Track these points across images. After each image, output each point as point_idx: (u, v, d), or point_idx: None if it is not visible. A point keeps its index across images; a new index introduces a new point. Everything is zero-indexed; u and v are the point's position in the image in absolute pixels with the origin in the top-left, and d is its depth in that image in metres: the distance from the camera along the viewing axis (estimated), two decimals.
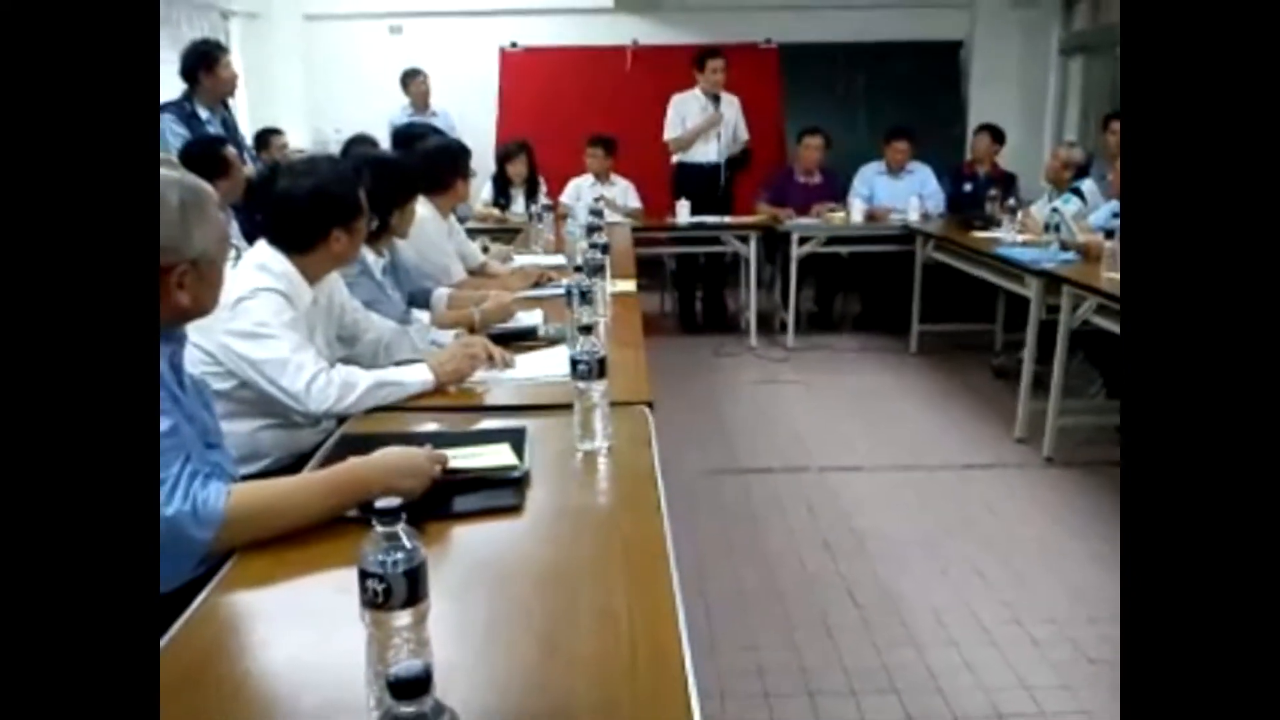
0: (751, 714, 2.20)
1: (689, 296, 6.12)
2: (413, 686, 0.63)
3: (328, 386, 1.81)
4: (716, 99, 5.70)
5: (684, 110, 5.73)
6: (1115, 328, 3.31)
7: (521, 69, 7.04)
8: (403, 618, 0.87)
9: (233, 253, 1.83)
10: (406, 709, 0.63)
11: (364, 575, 0.87)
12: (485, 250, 3.86)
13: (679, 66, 5.81)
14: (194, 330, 1.51)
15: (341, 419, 1.85)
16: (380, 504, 0.88)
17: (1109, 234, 3.58)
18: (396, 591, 0.86)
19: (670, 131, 5.75)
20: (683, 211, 5.53)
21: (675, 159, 5.82)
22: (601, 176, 5.78)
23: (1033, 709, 2.20)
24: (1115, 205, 4.23)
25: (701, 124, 5.70)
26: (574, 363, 1.61)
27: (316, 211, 1.92)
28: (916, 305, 5.36)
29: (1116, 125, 4.75)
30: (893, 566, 2.90)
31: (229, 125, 4.36)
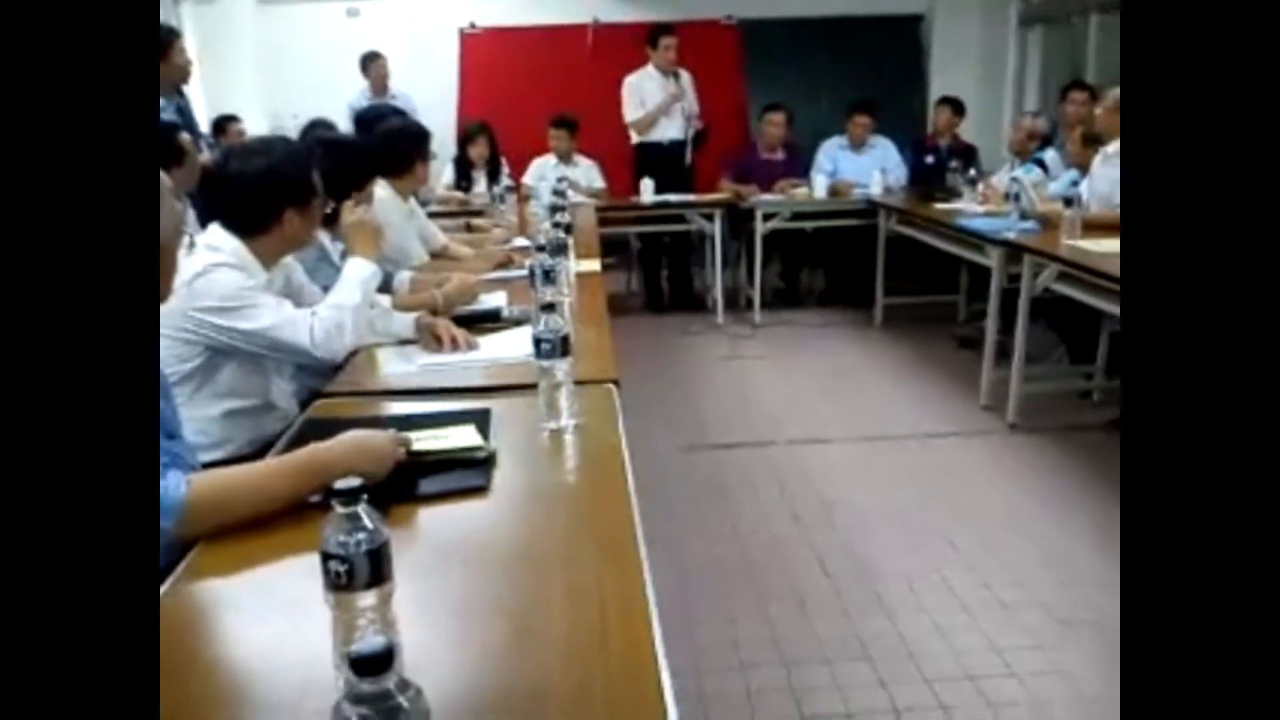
0: (728, 685, 2.21)
1: (655, 275, 6.12)
2: (374, 663, 0.62)
3: (326, 336, 1.89)
4: (675, 75, 5.68)
5: (641, 90, 5.70)
6: (1076, 294, 3.36)
7: (481, 50, 6.97)
8: (367, 598, 0.86)
9: (186, 240, 1.80)
10: (369, 686, 0.62)
11: (326, 557, 0.86)
12: (469, 228, 3.94)
13: (641, 44, 5.77)
14: None
15: (305, 404, 1.84)
16: (339, 484, 0.87)
17: (1068, 202, 3.62)
18: (359, 572, 0.85)
19: (631, 113, 5.72)
20: (647, 190, 5.51)
21: (636, 139, 5.79)
22: (565, 157, 5.74)
23: (1004, 670, 2.24)
24: (1074, 174, 4.28)
25: (664, 102, 5.67)
26: (537, 341, 1.60)
27: (269, 191, 1.90)
28: (880, 278, 5.39)
29: (1075, 95, 4.79)
30: (863, 536, 2.93)
31: (184, 112, 4.27)
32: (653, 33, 5.66)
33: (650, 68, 5.69)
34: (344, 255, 2.53)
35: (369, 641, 0.63)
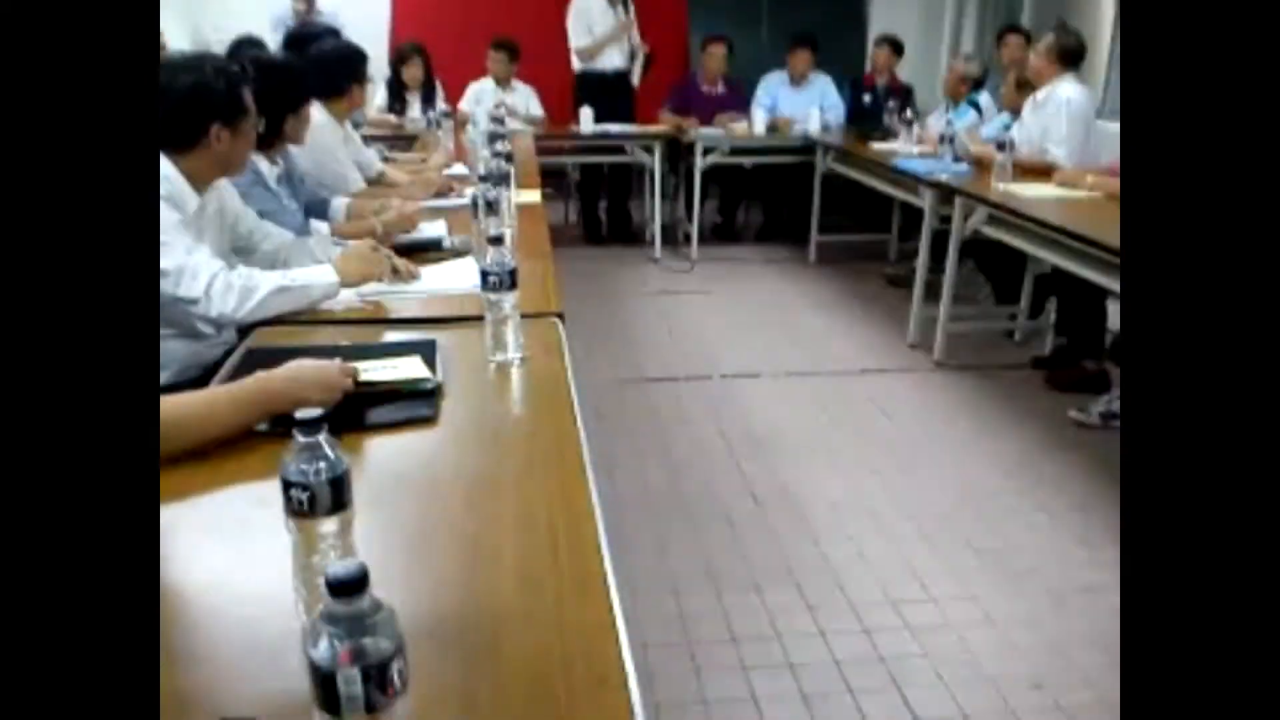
0: (663, 609, 2.29)
1: (593, 207, 6.08)
2: (351, 585, 0.64)
3: (227, 291, 1.77)
4: (624, 4, 5.57)
5: (588, 16, 5.58)
6: (1004, 237, 3.46)
7: None
8: (328, 525, 0.88)
9: None
10: (344, 607, 0.65)
11: (287, 485, 0.87)
12: (385, 160, 3.78)
13: None
14: None
15: (245, 331, 1.81)
16: (301, 414, 0.88)
17: (1000, 145, 3.71)
18: (321, 499, 0.87)
19: (578, 39, 5.60)
20: (586, 120, 5.45)
21: (579, 67, 5.69)
22: (503, 82, 5.63)
23: (922, 595, 2.36)
24: (1006, 118, 4.36)
25: (611, 31, 5.58)
26: (484, 275, 1.60)
27: (195, 108, 1.84)
28: (816, 216, 5.45)
29: (1010, 39, 4.87)
30: (792, 467, 3.03)
31: None
32: None
33: None
34: (280, 180, 2.48)
35: (345, 563, 0.66)
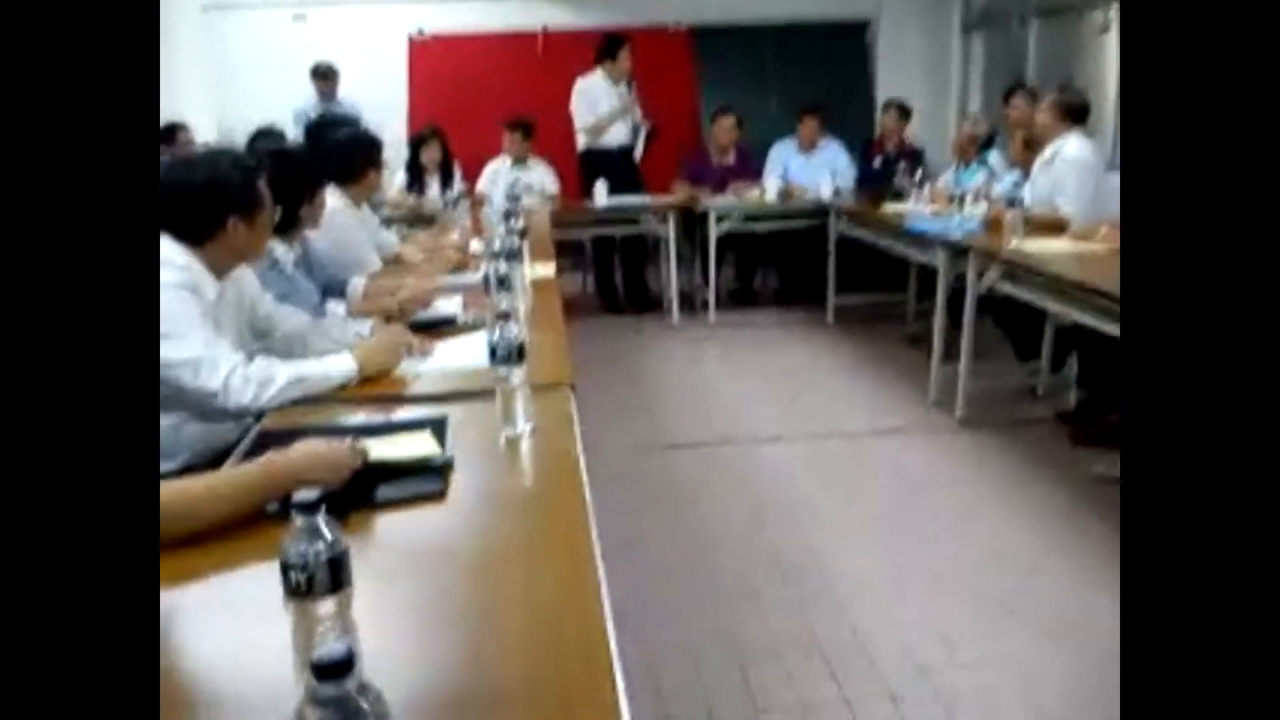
0: (684, 680, 2.25)
1: (608, 277, 6.14)
2: (335, 668, 0.64)
3: (245, 383, 1.79)
4: (627, 83, 5.71)
5: (593, 96, 5.72)
6: (1019, 293, 3.45)
7: (430, 56, 6.94)
8: (327, 606, 0.88)
9: None
10: (331, 691, 0.64)
11: (286, 566, 0.88)
12: (404, 239, 3.86)
13: (592, 50, 5.80)
14: None
15: (260, 413, 1.83)
16: (298, 496, 0.89)
17: (1010, 203, 3.72)
18: (319, 580, 0.87)
19: (583, 119, 5.73)
20: (600, 194, 5.53)
21: (584, 145, 5.81)
22: (519, 160, 5.75)
23: (951, 660, 2.30)
24: (1016, 175, 4.39)
25: (616, 110, 5.71)
26: (492, 349, 1.62)
27: (212, 200, 1.89)
28: (832, 278, 5.48)
29: (1017, 99, 4.92)
30: (817, 531, 2.99)
31: None
32: (610, 45, 5.68)
33: (599, 74, 5.72)
34: (297, 263, 2.53)
35: (331, 647, 0.65)
